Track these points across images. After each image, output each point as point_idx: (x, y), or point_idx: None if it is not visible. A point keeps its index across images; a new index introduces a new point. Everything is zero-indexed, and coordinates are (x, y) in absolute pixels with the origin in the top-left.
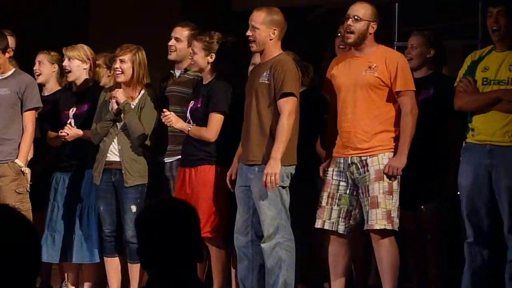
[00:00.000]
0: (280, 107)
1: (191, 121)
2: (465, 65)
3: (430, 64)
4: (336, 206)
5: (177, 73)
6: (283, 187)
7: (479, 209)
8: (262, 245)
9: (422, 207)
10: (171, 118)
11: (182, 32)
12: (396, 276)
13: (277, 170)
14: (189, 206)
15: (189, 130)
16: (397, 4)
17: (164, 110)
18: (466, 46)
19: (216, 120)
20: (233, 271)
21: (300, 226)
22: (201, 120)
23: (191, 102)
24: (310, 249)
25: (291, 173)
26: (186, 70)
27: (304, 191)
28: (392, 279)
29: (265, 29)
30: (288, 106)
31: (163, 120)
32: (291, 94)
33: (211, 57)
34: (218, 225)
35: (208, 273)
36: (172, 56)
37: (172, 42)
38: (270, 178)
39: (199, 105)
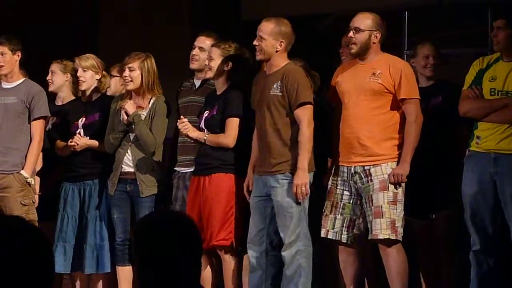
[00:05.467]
0: (298, 117)
1: (205, 130)
2: (473, 71)
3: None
4: (339, 215)
5: (197, 83)
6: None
7: (484, 217)
8: (283, 253)
9: (433, 215)
10: (188, 126)
11: (205, 42)
12: (405, 284)
13: (306, 180)
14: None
15: (205, 139)
16: (406, 12)
17: (182, 116)
18: (476, 54)
19: (234, 125)
20: (244, 279)
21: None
22: (218, 127)
23: (205, 112)
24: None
25: (310, 181)
26: (206, 80)
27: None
28: (401, 287)
29: (272, 40)
30: (306, 115)
31: (179, 127)
32: (308, 103)
33: (228, 65)
34: (232, 233)
35: (220, 281)
36: (194, 65)
37: (195, 51)
38: (301, 189)
39: (215, 113)
